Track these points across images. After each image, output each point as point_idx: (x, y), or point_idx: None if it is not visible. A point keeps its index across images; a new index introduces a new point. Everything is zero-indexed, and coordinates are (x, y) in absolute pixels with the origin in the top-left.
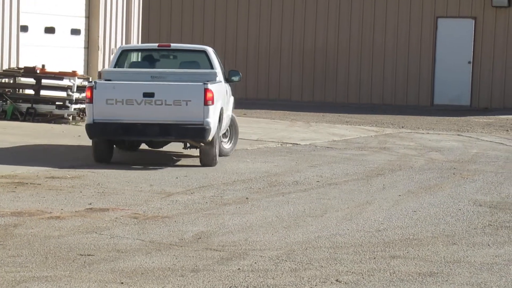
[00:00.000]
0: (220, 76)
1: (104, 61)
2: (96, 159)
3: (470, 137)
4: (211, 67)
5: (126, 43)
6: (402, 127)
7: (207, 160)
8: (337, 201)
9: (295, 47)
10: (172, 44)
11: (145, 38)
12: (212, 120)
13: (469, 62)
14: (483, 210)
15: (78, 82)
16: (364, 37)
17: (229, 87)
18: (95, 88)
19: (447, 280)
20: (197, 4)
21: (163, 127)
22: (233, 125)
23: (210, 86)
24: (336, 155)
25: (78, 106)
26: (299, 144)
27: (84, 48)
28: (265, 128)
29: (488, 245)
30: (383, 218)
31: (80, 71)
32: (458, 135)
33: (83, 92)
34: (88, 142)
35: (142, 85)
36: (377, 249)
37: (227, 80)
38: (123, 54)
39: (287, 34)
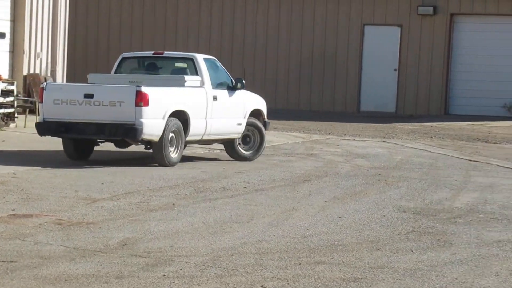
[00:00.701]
0: (206, 82)
1: (30, 65)
2: (68, 156)
3: (395, 143)
4: (196, 73)
5: (52, 47)
6: (329, 133)
7: (158, 159)
8: (264, 207)
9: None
10: (165, 52)
11: (71, 42)
12: (148, 121)
13: (395, 70)
14: (407, 216)
15: (2, 86)
16: (292, 44)
17: (242, 95)
18: (45, 89)
19: (370, 286)
20: (125, 5)
21: (99, 126)
22: (255, 132)
23: (144, 89)
24: (264, 161)
25: (2, 110)
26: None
27: (9, 52)
28: None
29: (411, 251)
30: (309, 224)
31: (5, 75)
32: (384, 141)
33: (8, 97)
34: (12, 146)
35: (83, 86)
36: (302, 255)
37: (233, 87)
38: (123, 61)
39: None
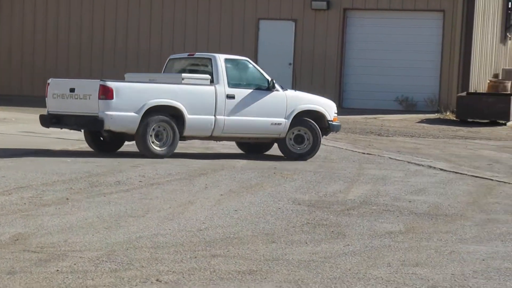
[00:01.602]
0: (219, 81)
1: None
2: (89, 147)
3: None
4: (212, 72)
5: None
6: None
7: (141, 151)
8: (159, 201)
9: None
10: (196, 53)
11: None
12: (114, 114)
13: (290, 64)
14: (302, 208)
15: None
16: (187, 39)
17: (284, 95)
18: (49, 85)
19: (265, 278)
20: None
21: (75, 118)
22: (308, 133)
23: (108, 83)
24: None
25: None
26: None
27: None
28: None
29: (306, 243)
30: (205, 217)
31: None
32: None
33: None
34: None
35: (69, 81)
36: (198, 248)
37: (268, 88)
38: (169, 62)
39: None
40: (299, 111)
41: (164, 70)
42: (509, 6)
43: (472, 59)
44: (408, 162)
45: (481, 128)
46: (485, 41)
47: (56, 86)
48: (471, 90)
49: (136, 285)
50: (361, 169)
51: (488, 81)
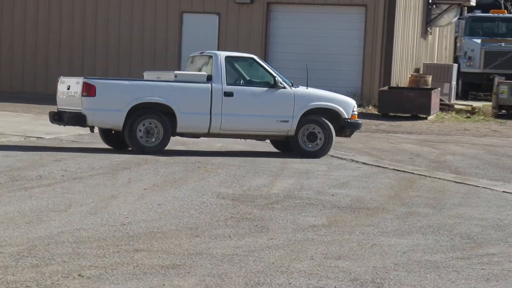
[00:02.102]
0: (216, 79)
1: None
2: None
3: None
4: (212, 69)
5: None
6: None
7: (130, 146)
8: (82, 196)
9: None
10: (205, 51)
11: None
12: (98, 110)
13: None
14: (226, 202)
15: None
16: (110, 30)
17: (292, 92)
18: (59, 83)
19: (189, 272)
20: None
21: (69, 114)
22: (320, 130)
23: (90, 81)
24: (82, 149)
25: None
26: (44, 138)
27: None
28: (8, 122)
29: (230, 236)
30: (128, 212)
31: None
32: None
33: None
34: None
35: (68, 80)
36: (121, 243)
37: (274, 85)
38: (188, 59)
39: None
40: (308, 108)
41: (185, 67)
42: (430, 1)
43: (393, 53)
44: (331, 156)
45: (402, 122)
46: (406, 35)
47: (62, 84)
48: (393, 84)
49: (58, 281)
50: (284, 163)
51: (410, 76)
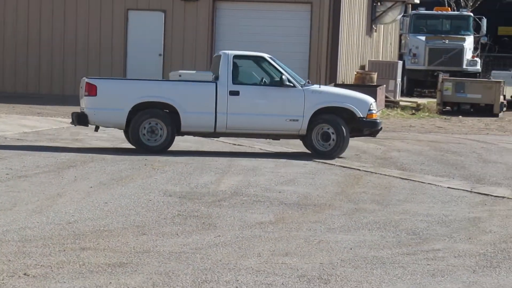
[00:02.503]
0: (222, 78)
1: None
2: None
3: None
4: (220, 68)
5: None
6: None
7: (133, 144)
8: (27, 194)
9: None
10: (220, 52)
11: None
12: (99, 110)
13: (160, 55)
14: (173, 200)
15: None
16: (55, 28)
17: (301, 91)
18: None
19: (136, 270)
20: None
21: (75, 114)
22: (333, 130)
23: (91, 80)
24: (27, 147)
25: None
26: None
27: None
28: None
29: (177, 234)
30: (74, 210)
31: None
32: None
33: None
34: None
35: (83, 81)
36: (67, 242)
37: (279, 84)
38: (214, 58)
39: None
40: (319, 107)
41: (211, 67)
42: None
43: (339, 51)
44: (278, 153)
45: None
46: (352, 33)
47: (81, 86)
48: (339, 81)
49: (2, 280)
50: (232, 160)
51: (355, 73)
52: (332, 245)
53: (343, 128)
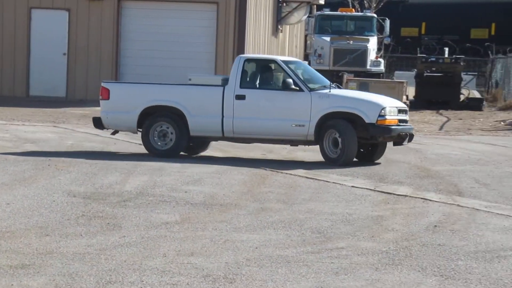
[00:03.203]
0: (230, 82)
1: None
2: None
3: (66, 128)
4: (231, 72)
5: None
6: None
7: (145, 147)
8: None
9: None
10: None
11: None
12: (111, 113)
13: (64, 54)
14: (77, 201)
15: None
16: None
17: (310, 96)
18: None
19: (38, 272)
20: None
21: (94, 118)
22: (339, 136)
23: (105, 84)
24: None
25: None
26: None
27: None
28: None
29: (81, 235)
30: None
31: None
32: (54, 126)
33: None
34: None
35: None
36: None
37: (285, 88)
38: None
39: None
40: (326, 112)
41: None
42: (280, 0)
43: (245, 51)
44: (185, 153)
45: None
46: (258, 33)
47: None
48: None
49: None
50: (138, 160)
51: None
52: (237, 244)
53: (349, 134)
